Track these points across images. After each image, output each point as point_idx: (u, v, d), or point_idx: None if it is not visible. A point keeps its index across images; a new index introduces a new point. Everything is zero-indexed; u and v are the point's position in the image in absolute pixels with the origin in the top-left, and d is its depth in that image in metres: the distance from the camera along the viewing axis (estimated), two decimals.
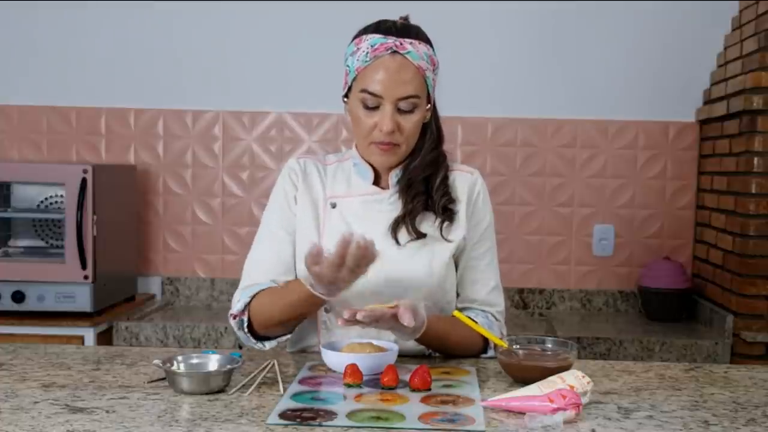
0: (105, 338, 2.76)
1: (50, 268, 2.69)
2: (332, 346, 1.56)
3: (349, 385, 1.41)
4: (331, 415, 1.25)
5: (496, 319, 1.75)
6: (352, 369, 1.43)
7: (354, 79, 1.63)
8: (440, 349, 1.68)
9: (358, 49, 1.61)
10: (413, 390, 1.40)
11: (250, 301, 1.66)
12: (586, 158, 3.15)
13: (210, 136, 3.21)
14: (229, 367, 1.41)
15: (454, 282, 1.74)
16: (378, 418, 1.24)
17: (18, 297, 2.66)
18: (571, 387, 1.31)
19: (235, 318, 1.67)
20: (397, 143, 1.63)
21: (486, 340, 1.67)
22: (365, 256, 1.42)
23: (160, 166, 3.22)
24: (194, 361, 1.45)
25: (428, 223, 1.68)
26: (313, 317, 1.71)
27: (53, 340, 2.58)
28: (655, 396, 1.42)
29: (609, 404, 1.36)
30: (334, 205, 1.71)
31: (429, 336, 1.60)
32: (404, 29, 1.62)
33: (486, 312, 1.74)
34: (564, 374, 1.37)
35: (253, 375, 1.48)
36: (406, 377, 1.43)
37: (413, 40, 1.61)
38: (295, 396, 1.36)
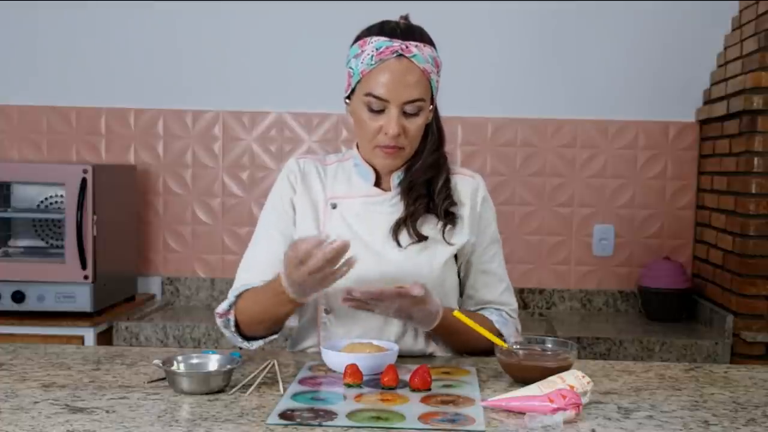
0: (105, 338, 2.76)
1: (50, 268, 2.69)
2: (332, 346, 1.56)
3: (349, 385, 1.41)
4: (331, 415, 1.25)
5: (511, 317, 1.77)
6: (352, 369, 1.43)
7: (358, 82, 1.62)
8: (456, 343, 1.69)
9: (362, 51, 1.60)
10: (413, 390, 1.40)
11: (236, 300, 1.66)
12: (586, 158, 3.15)
13: (210, 136, 3.21)
14: (229, 367, 1.41)
15: (454, 283, 1.75)
16: (378, 418, 1.24)
17: (18, 297, 2.66)
18: (571, 387, 1.31)
19: (221, 317, 1.67)
20: (402, 146, 1.63)
21: (499, 336, 1.67)
22: (333, 261, 1.42)
23: (160, 166, 3.22)
24: (194, 361, 1.45)
25: (429, 226, 1.68)
26: (313, 317, 1.71)
27: (53, 340, 2.58)
28: (655, 396, 1.42)
29: (609, 404, 1.36)
30: (334, 206, 1.71)
31: (445, 327, 1.61)
32: (408, 31, 1.62)
33: (500, 311, 1.77)
34: (564, 374, 1.37)
35: (253, 375, 1.48)
36: (406, 377, 1.43)
37: (418, 43, 1.60)
38: (295, 396, 1.36)
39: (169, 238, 3.23)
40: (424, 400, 1.34)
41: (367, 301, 1.53)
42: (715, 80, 3.02)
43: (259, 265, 1.69)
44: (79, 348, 1.78)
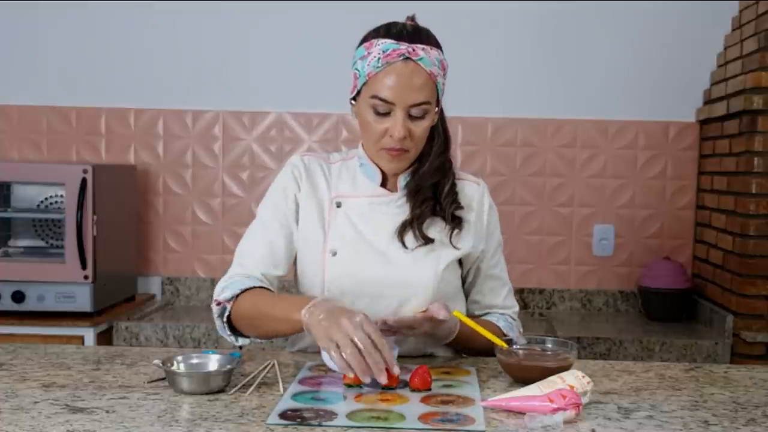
0: (105, 338, 2.76)
1: (50, 268, 2.69)
2: None
3: (349, 386, 1.41)
4: (331, 415, 1.25)
5: (514, 320, 1.81)
6: None
7: (364, 84, 1.61)
8: (468, 347, 1.71)
9: (368, 53, 1.59)
10: (413, 390, 1.40)
11: (240, 293, 1.62)
12: (586, 158, 3.15)
13: (210, 136, 3.21)
14: (229, 367, 1.41)
15: (457, 287, 1.75)
16: (378, 418, 1.24)
17: (18, 297, 2.66)
18: (571, 387, 1.31)
19: (219, 304, 1.64)
20: (407, 149, 1.63)
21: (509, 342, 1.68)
22: (371, 350, 1.35)
23: (160, 166, 3.21)
24: (194, 361, 1.45)
25: (435, 229, 1.68)
26: None
27: (53, 340, 2.58)
28: (655, 396, 1.42)
29: (609, 404, 1.36)
30: (339, 205, 1.71)
31: (459, 336, 1.66)
32: (415, 33, 1.60)
33: (505, 315, 1.80)
34: (564, 374, 1.37)
35: (253, 375, 1.48)
36: (406, 377, 1.43)
37: (425, 46, 1.59)
38: (295, 396, 1.36)
39: (169, 238, 3.23)
40: (424, 400, 1.35)
41: (399, 329, 1.58)
42: (715, 80, 3.02)
43: (256, 255, 1.68)
44: (79, 348, 1.78)
